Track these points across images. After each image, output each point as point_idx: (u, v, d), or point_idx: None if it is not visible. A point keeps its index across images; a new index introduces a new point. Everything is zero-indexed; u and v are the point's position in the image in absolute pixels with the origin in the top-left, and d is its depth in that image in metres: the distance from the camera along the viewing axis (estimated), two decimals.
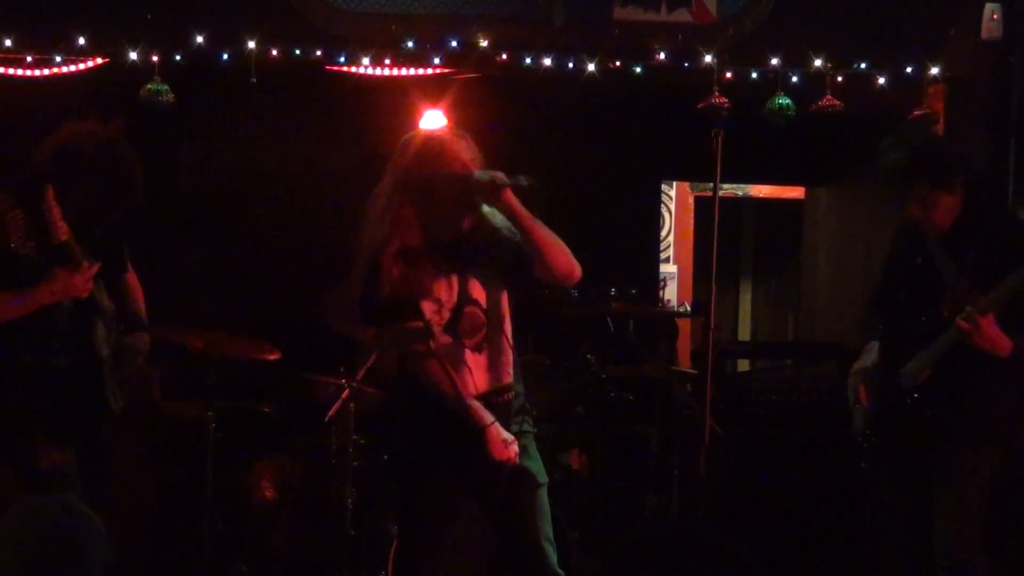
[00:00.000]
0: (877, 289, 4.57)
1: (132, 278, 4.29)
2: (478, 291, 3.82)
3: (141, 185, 3.98)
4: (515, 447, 3.75)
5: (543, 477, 3.89)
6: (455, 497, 3.82)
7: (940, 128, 5.76)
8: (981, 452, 4.18)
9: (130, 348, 4.14)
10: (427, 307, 3.75)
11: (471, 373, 3.80)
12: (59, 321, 3.87)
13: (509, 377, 3.86)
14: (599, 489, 5.46)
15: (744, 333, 10.08)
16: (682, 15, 5.75)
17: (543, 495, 3.87)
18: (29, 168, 3.91)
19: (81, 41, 5.47)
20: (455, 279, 3.78)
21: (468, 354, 3.79)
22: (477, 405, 3.76)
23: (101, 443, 4.08)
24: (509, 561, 3.87)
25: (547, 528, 3.86)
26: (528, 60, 5.64)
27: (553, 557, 3.84)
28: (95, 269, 3.86)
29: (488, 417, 3.74)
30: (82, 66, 5.50)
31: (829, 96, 5.62)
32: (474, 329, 3.80)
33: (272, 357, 5.32)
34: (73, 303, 3.89)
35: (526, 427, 3.91)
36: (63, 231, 3.73)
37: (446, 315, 3.77)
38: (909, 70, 5.72)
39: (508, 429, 3.81)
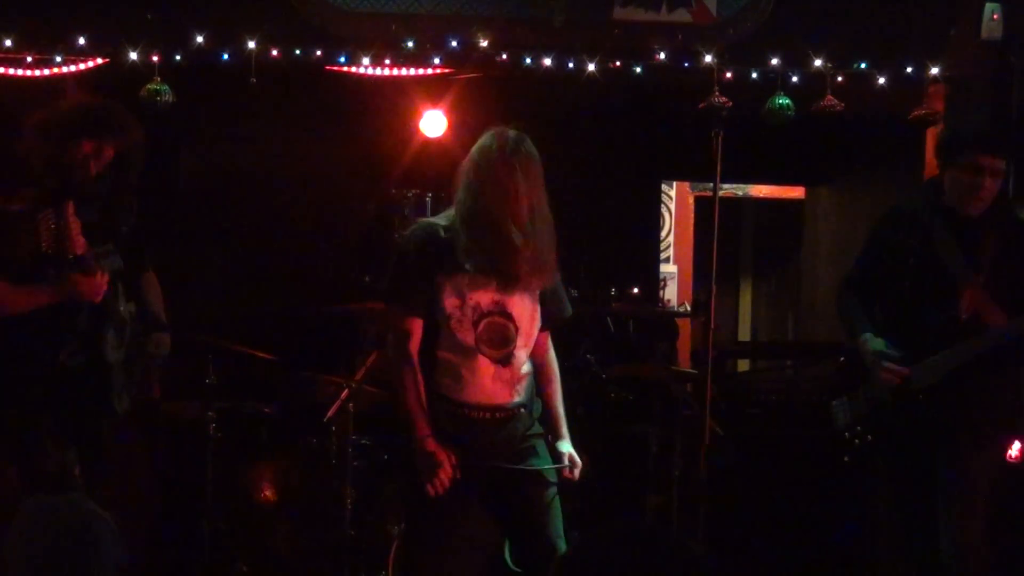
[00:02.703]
0: (856, 269, 4.54)
1: (152, 278, 4.30)
2: (519, 306, 3.79)
3: (135, 127, 4.00)
4: (441, 463, 3.72)
5: (553, 476, 3.90)
6: (463, 499, 3.82)
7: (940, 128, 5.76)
8: (989, 452, 4.18)
9: (151, 351, 4.16)
10: (449, 301, 3.74)
11: (487, 382, 3.79)
12: (78, 323, 3.89)
13: (520, 396, 3.86)
14: (599, 489, 5.46)
15: (744, 333, 10.08)
16: (682, 15, 5.74)
17: (553, 493, 3.88)
18: (20, 148, 3.93)
19: (81, 41, 5.47)
20: (495, 284, 3.74)
21: (487, 363, 3.78)
22: (420, 415, 3.74)
23: (102, 444, 4.09)
24: (523, 559, 3.88)
25: (558, 525, 3.86)
26: (528, 60, 5.63)
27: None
28: (106, 279, 3.87)
29: (425, 430, 3.73)
30: (82, 66, 5.49)
31: (829, 96, 5.62)
32: (502, 341, 3.78)
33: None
34: (90, 306, 3.91)
35: (535, 429, 3.93)
36: (80, 245, 3.75)
37: (468, 314, 3.75)
38: (909, 70, 5.72)
39: (501, 438, 3.82)
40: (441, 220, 3.83)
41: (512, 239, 3.66)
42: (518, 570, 3.86)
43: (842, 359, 4.58)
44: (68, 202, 3.74)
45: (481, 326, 3.75)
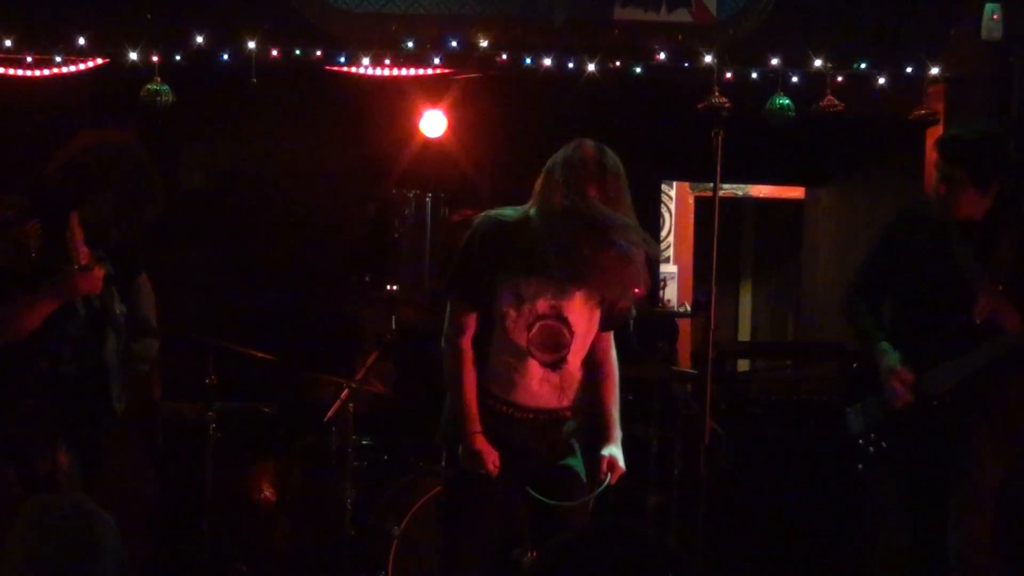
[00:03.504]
0: (865, 271, 4.53)
1: (144, 282, 4.29)
2: (577, 311, 3.75)
3: (159, 193, 3.98)
4: (485, 462, 3.73)
5: (584, 474, 3.90)
6: (495, 492, 3.82)
7: (940, 128, 5.76)
8: (1002, 458, 4.18)
9: (136, 355, 4.15)
10: (506, 300, 3.69)
11: (535, 385, 3.77)
12: (71, 329, 3.88)
13: (568, 400, 3.84)
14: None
15: (744, 333, 10.08)
16: (682, 15, 5.74)
17: (583, 493, 3.88)
18: (44, 179, 3.91)
19: (81, 41, 5.47)
20: (555, 286, 3.68)
21: (536, 366, 3.75)
22: (471, 412, 3.74)
23: (102, 444, 4.08)
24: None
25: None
26: (528, 60, 5.63)
27: None
28: (102, 272, 3.85)
29: (474, 427, 3.73)
30: (82, 66, 5.49)
31: (829, 96, 5.61)
32: (554, 346, 3.74)
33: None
34: (87, 312, 3.90)
35: (574, 432, 3.93)
36: (84, 255, 3.74)
37: (524, 315, 3.70)
38: (909, 70, 5.71)
39: (544, 440, 3.82)
40: (511, 213, 3.74)
41: (596, 247, 3.56)
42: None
43: (855, 364, 4.56)
44: (73, 214, 3.73)
45: (535, 329, 3.71)
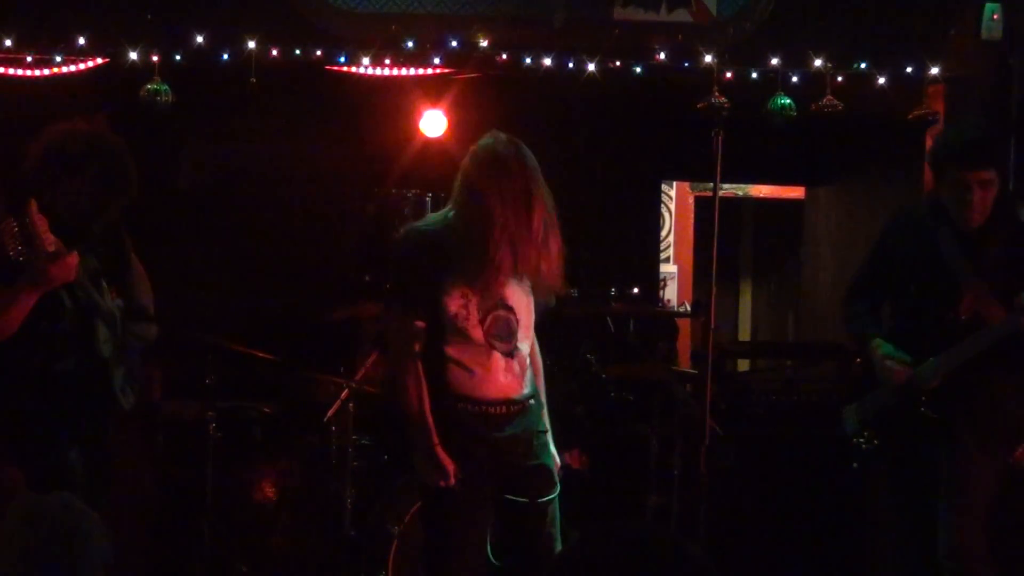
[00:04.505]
0: (861, 276, 4.55)
1: (138, 271, 4.24)
2: (516, 298, 3.83)
3: (134, 179, 3.95)
4: (447, 474, 3.75)
5: (554, 477, 3.93)
6: (476, 499, 3.82)
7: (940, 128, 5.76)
8: (991, 457, 4.18)
9: (134, 336, 4.11)
10: (453, 302, 3.75)
11: (500, 376, 3.81)
12: (62, 323, 3.87)
13: (527, 387, 3.89)
14: (599, 489, 5.46)
15: (744, 333, 10.08)
16: (682, 15, 5.75)
17: (556, 492, 3.92)
18: (16, 176, 3.89)
19: (81, 41, 5.47)
20: (493, 280, 3.76)
21: (499, 357, 3.80)
22: (428, 423, 3.76)
23: (107, 443, 4.07)
24: (517, 552, 3.88)
25: (558, 524, 3.90)
26: (528, 60, 5.64)
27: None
28: (76, 259, 3.81)
29: (432, 439, 3.75)
30: (82, 66, 5.49)
31: (829, 96, 5.62)
32: (508, 334, 3.81)
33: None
34: (74, 305, 3.88)
35: (543, 425, 3.93)
36: (50, 242, 3.70)
37: (473, 311, 3.76)
38: (909, 70, 5.72)
39: (520, 433, 3.83)
40: (433, 221, 3.87)
41: (511, 240, 3.67)
42: (497, 564, 3.88)
43: (858, 360, 4.57)
44: (30, 201, 3.69)
45: (488, 321, 3.77)
